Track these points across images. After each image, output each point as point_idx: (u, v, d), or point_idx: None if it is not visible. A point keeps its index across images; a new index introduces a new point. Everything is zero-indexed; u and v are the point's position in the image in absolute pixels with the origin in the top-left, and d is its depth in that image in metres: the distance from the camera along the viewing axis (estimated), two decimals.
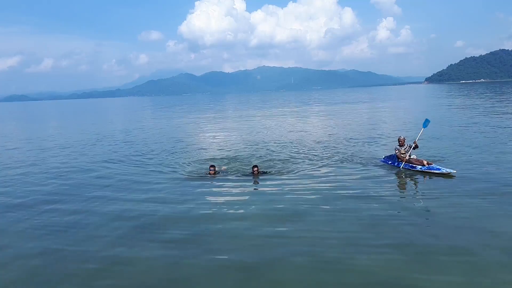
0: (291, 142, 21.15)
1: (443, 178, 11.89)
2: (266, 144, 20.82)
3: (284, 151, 18.16)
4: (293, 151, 18.07)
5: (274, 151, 18.34)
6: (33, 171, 15.77)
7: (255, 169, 13.07)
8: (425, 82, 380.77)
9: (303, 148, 18.95)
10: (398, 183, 12.28)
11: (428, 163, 12.79)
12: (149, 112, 68.08)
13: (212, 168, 13.38)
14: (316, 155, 16.70)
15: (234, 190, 11.70)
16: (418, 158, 13.43)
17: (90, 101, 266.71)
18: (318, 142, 20.69)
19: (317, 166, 14.54)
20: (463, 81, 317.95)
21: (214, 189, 11.87)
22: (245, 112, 57.57)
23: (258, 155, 17.39)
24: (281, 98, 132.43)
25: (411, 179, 12.37)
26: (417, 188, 11.63)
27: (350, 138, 21.69)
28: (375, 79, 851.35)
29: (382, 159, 14.76)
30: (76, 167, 16.15)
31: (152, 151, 20.01)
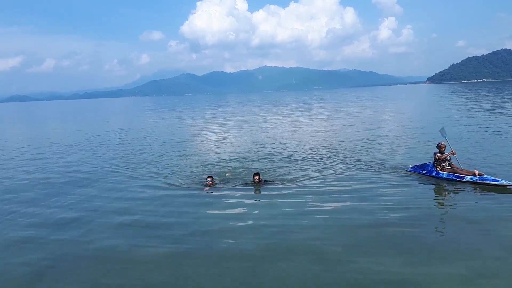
0: (298, 146, 19.77)
1: (496, 192, 10.13)
2: (269, 148, 19.38)
3: (290, 156, 16.74)
4: (300, 156, 16.63)
5: (278, 156, 16.91)
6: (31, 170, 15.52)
7: (256, 177, 11.76)
8: (427, 82, 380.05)
9: (311, 152, 17.51)
10: (437, 194, 10.76)
11: (479, 174, 10.92)
12: (150, 113, 67.03)
13: (209, 180, 11.91)
14: (326, 161, 15.24)
15: (232, 202, 10.44)
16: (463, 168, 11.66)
17: (92, 102, 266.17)
18: (328, 145, 19.28)
19: (329, 173, 13.14)
20: (465, 81, 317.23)
21: (209, 201, 10.56)
22: (247, 112, 56.86)
23: (260, 161, 16.08)
24: (283, 98, 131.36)
25: (456, 191, 10.67)
26: (464, 201, 9.95)
27: (364, 142, 19.90)
28: (377, 79, 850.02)
29: (411, 168, 12.77)
30: (76, 170, 15.68)
31: (141, 153, 19.22)
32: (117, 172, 14.97)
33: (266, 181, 12.07)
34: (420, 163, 12.82)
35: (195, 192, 11.53)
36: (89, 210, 10.11)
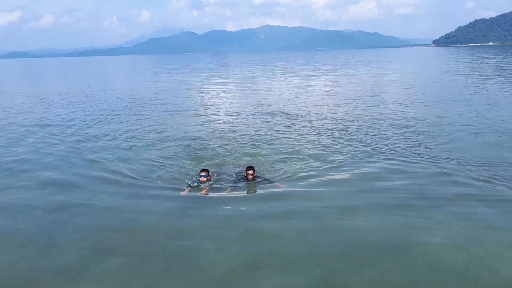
0: (309, 123, 15.62)
1: None
2: (269, 129, 14.96)
3: (298, 141, 12.92)
4: (313, 141, 12.84)
5: (281, 141, 13.03)
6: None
7: (250, 171, 9.26)
8: (432, 45, 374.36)
9: (330, 135, 13.49)
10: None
11: None
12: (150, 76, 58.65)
13: (204, 174, 8.93)
14: (361, 146, 11.81)
15: (215, 206, 8.02)
16: None
17: (92, 60, 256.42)
18: (359, 125, 14.88)
19: (362, 165, 10.20)
20: (471, 44, 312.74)
21: (183, 206, 8.06)
22: (247, 74, 53.21)
23: (257, 148, 12.45)
24: (287, 59, 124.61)
25: None
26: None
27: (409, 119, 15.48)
28: (382, 41, 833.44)
29: None
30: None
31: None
32: (83, 162, 11.47)
33: (263, 178, 9.57)
34: None
35: (163, 203, 8.25)
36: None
